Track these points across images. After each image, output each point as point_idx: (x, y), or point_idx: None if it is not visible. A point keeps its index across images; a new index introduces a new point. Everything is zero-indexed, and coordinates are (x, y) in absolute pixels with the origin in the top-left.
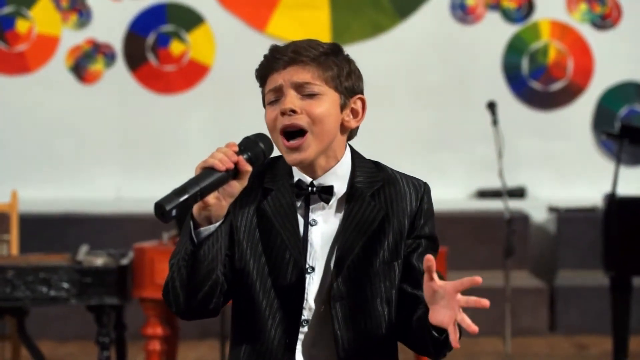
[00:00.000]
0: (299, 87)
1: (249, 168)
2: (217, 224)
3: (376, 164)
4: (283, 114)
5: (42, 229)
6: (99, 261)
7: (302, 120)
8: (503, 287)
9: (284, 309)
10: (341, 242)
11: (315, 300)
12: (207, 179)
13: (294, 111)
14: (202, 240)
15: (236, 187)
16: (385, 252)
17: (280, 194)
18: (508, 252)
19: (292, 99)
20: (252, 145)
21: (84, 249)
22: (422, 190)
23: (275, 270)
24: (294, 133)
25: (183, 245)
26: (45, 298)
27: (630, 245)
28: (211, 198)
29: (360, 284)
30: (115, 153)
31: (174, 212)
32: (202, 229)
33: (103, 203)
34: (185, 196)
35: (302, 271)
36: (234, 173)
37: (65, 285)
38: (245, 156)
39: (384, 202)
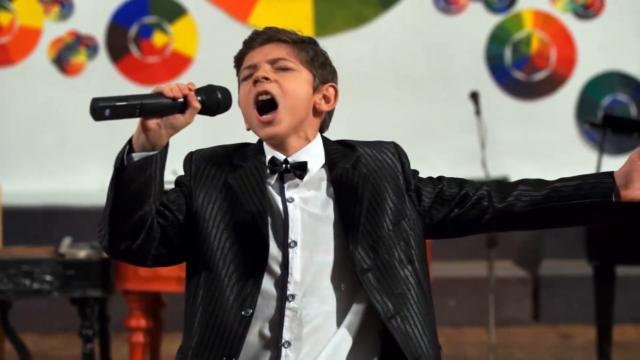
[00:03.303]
0: (273, 62)
1: (197, 105)
2: (151, 153)
3: (342, 142)
4: (256, 82)
5: (26, 222)
6: (82, 254)
7: (273, 88)
8: (487, 278)
9: (244, 280)
10: (344, 215)
11: (333, 279)
12: (152, 98)
13: (266, 78)
14: (131, 163)
15: (180, 120)
16: (390, 216)
17: (249, 170)
18: (492, 242)
19: (265, 70)
20: (209, 91)
21: (66, 241)
22: (394, 148)
23: (238, 241)
24: (267, 107)
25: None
26: (29, 291)
27: (613, 234)
28: (152, 123)
29: (377, 252)
30: (98, 145)
31: (106, 112)
32: (135, 154)
33: (87, 195)
34: (124, 103)
35: (266, 245)
36: (182, 107)
37: (48, 277)
38: (199, 97)
39: (366, 170)
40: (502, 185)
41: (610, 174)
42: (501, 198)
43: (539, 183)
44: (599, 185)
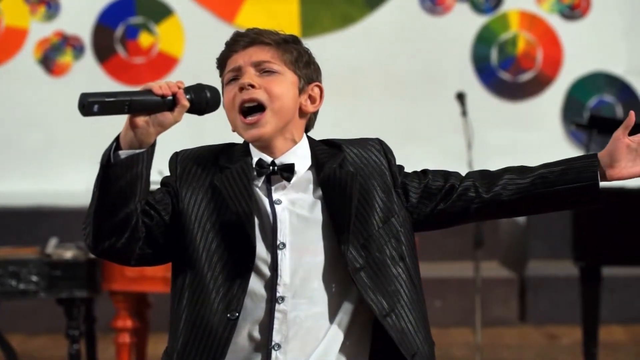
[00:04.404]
0: (257, 65)
1: (186, 103)
2: (139, 151)
3: (328, 142)
4: (241, 89)
5: (13, 223)
6: (68, 254)
7: (260, 95)
8: (473, 278)
9: (230, 282)
10: (334, 215)
11: (323, 280)
12: (141, 95)
13: (252, 85)
14: (118, 161)
15: (168, 118)
16: (379, 214)
17: (235, 171)
18: (478, 243)
19: (250, 75)
20: (198, 90)
21: (53, 242)
22: (379, 145)
23: (224, 243)
24: (252, 110)
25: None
26: (15, 291)
27: (599, 235)
28: (140, 120)
29: (369, 250)
30: (85, 146)
31: (95, 108)
32: (122, 151)
33: (73, 196)
34: (112, 99)
35: (253, 247)
36: (171, 105)
37: (35, 278)
38: (188, 96)
39: (353, 169)
40: (487, 175)
41: (594, 156)
42: (487, 188)
43: (524, 170)
44: (584, 168)
